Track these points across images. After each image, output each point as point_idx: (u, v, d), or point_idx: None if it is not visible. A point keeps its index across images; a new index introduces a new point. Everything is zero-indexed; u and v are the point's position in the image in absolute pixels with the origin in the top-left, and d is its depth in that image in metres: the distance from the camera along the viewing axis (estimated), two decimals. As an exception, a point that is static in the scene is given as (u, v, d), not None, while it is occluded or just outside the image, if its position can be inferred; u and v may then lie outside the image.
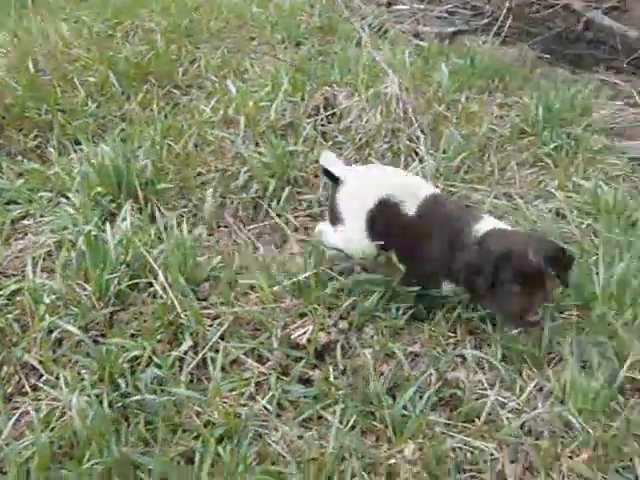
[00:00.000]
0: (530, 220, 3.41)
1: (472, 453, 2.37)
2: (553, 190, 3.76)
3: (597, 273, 3.04)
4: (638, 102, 4.97)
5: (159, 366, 2.62)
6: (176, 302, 2.83)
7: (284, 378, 2.61)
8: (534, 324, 2.69)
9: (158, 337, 2.75)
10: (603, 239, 3.31)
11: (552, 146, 4.15)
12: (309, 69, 4.77)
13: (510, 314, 2.72)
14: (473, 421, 2.48)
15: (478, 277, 2.67)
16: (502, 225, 2.90)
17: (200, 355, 2.68)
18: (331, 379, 2.57)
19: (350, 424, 2.41)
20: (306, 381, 2.61)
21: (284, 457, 2.34)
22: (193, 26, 5.74)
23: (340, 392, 2.51)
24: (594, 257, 3.15)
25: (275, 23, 5.89)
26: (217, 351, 2.68)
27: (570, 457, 2.37)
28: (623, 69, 5.85)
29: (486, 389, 2.58)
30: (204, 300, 2.96)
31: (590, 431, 2.42)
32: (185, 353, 2.69)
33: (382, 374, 2.60)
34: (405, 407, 2.48)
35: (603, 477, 2.32)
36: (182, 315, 2.80)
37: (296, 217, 3.56)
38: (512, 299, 2.64)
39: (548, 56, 6.08)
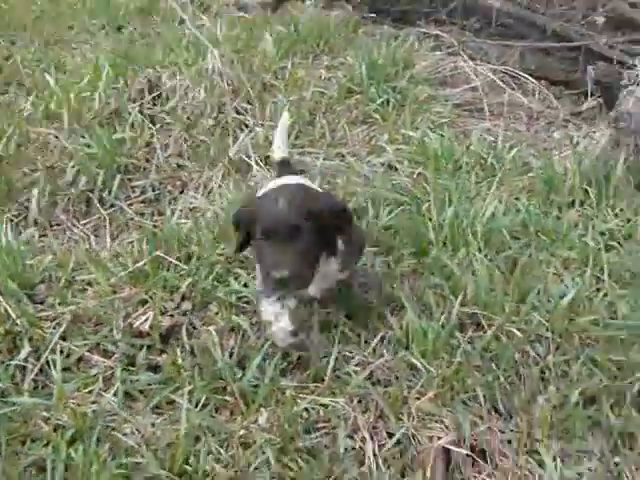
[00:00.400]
0: (362, 176, 3.49)
1: (324, 411, 2.42)
2: (384, 144, 3.85)
3: (430, 219, 3.16)
4: (458, 51, 5.14)
5: (-2, 378, 2.50)
6: (10, 309, 2.70)
7: (131, 368, 2.56)
8: (281, 283, 2.35)
9: (-5, 348, 2.63)
10: (433, 185, 3.43)
11: (379, 101, 4.23)
12: (131, 53, 4.65)
13: (263, 270, 2.47)
14: (323, 380, 2.52)
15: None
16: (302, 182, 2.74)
17: (42, 359, 2.58)
18: (179, 362, 2.54)
19: (202, 403, 2.40)
20: (154, 368, 2.57)
21: (138, 447, 2.31)
22: (3, 21, 5.45)
23: (187, 373, 2.49)
24: (427, 204, 3.27)
25: (93, 9, 5.69)
26: (60, 352, 2.59)
27: (417, 398, 2.46)
28: (444, 21, 6.04)
29: (331, 347, 2.63)
30: (41, 303, 2.85)
31: (433, 370, 2.52)
32: (25, 360, 2.58)
33: (229, 348, 2.61)
34: (255, 377, 2.49)
35: (449, 411, 2.44)
36: (18, 322, 2.68)
37: (130, 205, 3.48)
38: (261, 254, 2.45)
39: (373, 15, 6.19)
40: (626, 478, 2.43)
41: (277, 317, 2.52)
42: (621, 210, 3.42)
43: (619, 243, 3.21)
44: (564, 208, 3.44)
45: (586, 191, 3.53)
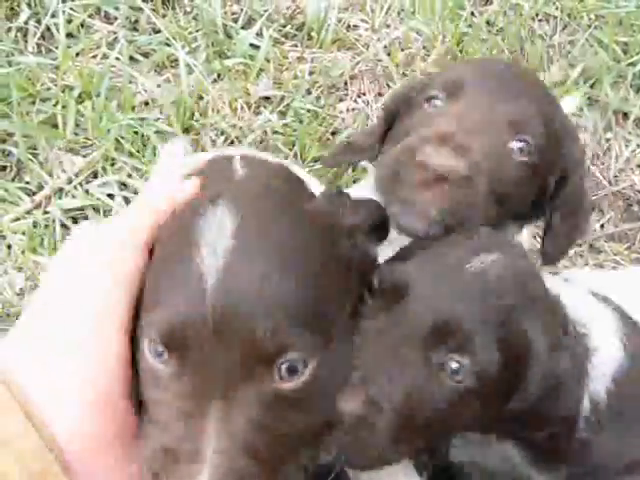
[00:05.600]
0: None
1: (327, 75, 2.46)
2: None
3: None
4: None
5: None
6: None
7: (134, 33, 2.54)
8: None
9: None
10: None
11: None
12: None
13: None
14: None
15: None
16: None
17: (43, 23, 2.54)
18: (181, 23, 2.51)
19: (203, 60, 2.43)
20: (157, 32, 2.54)
21: (146, 104, 2.38)
22: None
23: (190, 35, 2.48)
24: None
25: None
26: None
27: (423, 59, 2.49)
28: None
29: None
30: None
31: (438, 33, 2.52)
32: (26, 23, 2.55)
33: (233, 14, 2.57)
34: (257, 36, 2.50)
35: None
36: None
37: None
38: None
39: None
40: (615, 152, 2.53)
41: None
42: None
43: None
44: None
45: None
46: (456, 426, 1.09)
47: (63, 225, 2.16)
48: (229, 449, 0.87)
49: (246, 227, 0.95)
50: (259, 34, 2.50)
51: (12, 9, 2.60)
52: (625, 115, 2.63)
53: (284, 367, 0.92)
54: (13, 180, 2.26)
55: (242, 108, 2.36)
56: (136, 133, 2.28)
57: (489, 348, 0.97)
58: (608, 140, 2.57)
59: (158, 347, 0.93)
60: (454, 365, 0.97)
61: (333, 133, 2.38)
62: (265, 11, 2.54)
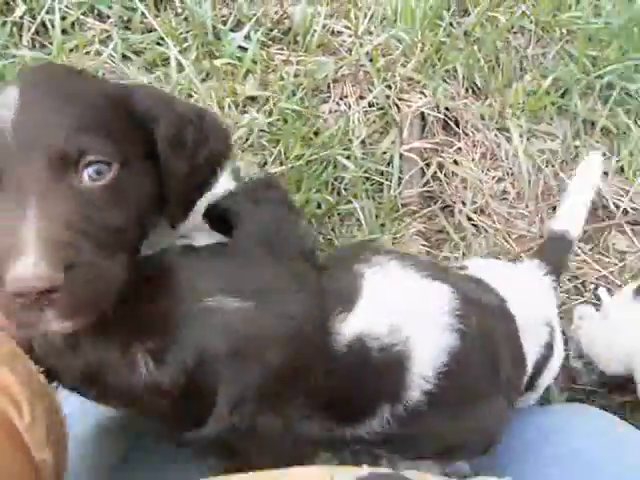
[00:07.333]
0: None
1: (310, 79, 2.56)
2: None
3: None
4: None
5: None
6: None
7: (127, 31, 2.63)
8: None
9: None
10: None
11: None
12: None
13: None
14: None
15: None
16: None
17: (38, 19, 2.62)
18: (172, 24, 2.61)
19: (192, 59, 2.52)
20: (149, 31, 2.63)
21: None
22: None
23: (181, 35, 2.58)
24: None
25: None
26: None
27: (403, 66, 2.60)
28: None
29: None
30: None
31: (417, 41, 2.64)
32: (21, 18, 2.64)
33: (223, 16, 2.67)
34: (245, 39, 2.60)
35: (429, 78, 2.60)
36: None
37: None
38: None
39: None
40: (582, 159, 2.66)
41: None
42: None
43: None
44: None
45: None
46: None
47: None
48: (50, 226, 1.00)
49: (37, 87, 1.15)
50: (247, 37, 2.59)
51: (7, 4, 2.68)
52: (592, 124, 2.77)
53: (89, 169, 1.09)
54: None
55: (230, 107, 2.46)
56: (127, 128, 2.36)
57: (177, 369, 1.07)
58: (577, 147, 2.71)
59: None
60: (144, 362, 1.08)
61: (315, 133, 2.49)
62: (253, 15, 2.63)
